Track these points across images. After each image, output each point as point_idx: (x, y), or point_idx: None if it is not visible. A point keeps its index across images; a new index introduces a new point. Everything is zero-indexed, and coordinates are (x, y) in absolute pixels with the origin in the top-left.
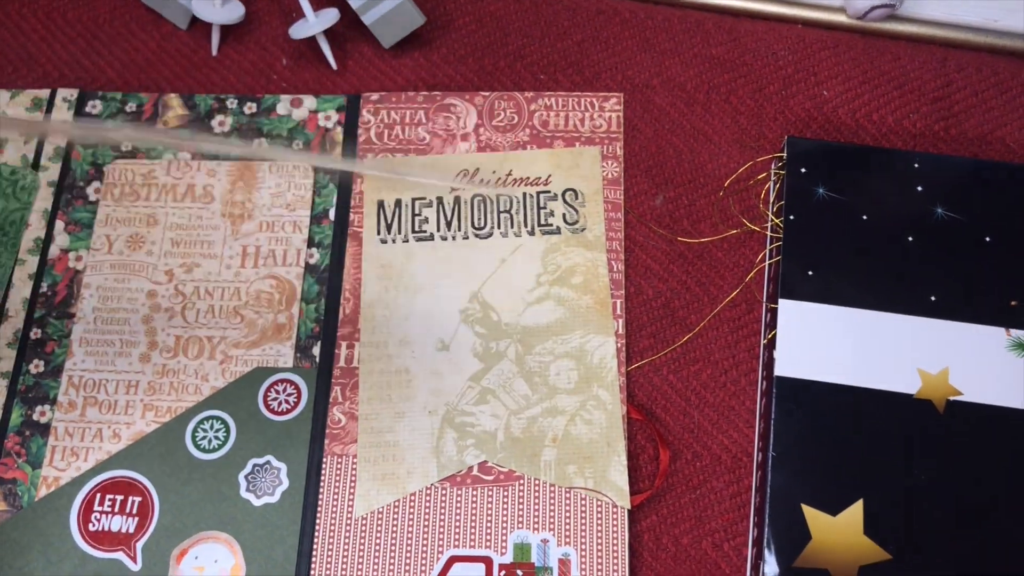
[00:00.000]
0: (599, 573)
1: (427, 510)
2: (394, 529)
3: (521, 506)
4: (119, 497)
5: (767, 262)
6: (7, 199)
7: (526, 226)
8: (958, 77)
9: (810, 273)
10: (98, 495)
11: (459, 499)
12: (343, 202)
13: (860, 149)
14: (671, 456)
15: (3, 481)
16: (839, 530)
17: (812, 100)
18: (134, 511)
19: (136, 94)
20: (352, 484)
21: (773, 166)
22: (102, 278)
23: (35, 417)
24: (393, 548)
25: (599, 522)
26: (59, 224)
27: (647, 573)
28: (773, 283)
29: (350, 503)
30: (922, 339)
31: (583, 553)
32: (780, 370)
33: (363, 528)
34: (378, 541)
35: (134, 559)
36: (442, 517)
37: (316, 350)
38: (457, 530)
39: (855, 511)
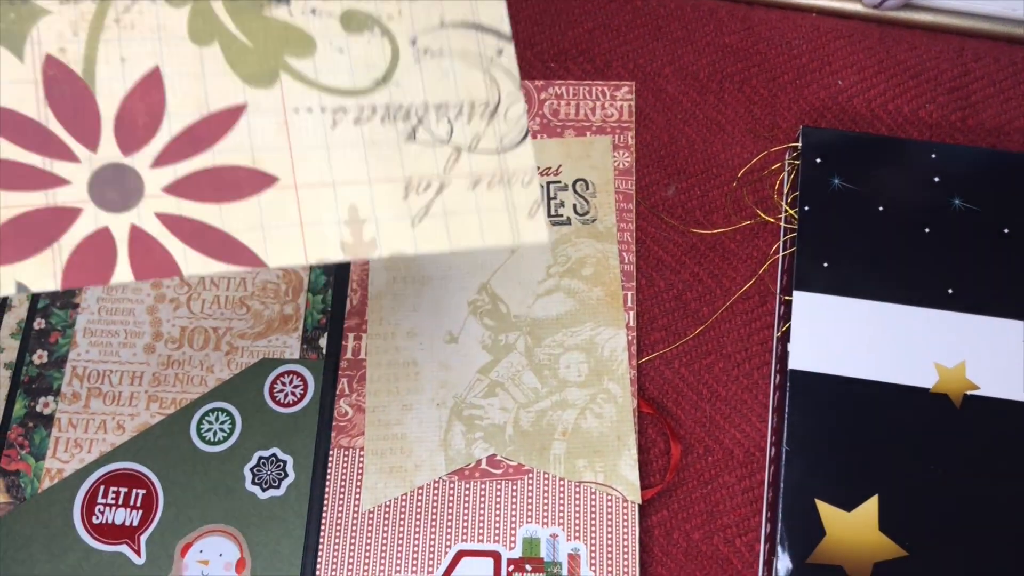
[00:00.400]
0: (609, 568)
1: (435, 504)
2: (401, 523)
3: (530, 500)
4: (123, 489)
5: (781, 254)
6: None
7: None
8: (975, 67)
9: (825, 265)
10: (102, 487)
11: (467, 493)
12: None
13: (876, 139)
14: (682, 450)
15: (6, 473)
16: (854, 526)
17: (827, 90)
18: (138, 504)
19: None
20: (359, 477)
21: (787, 156)
22: None
23: (38, 408)
24: (400, 542)
25: (609, 517)
26: None
27: (657, 569)
28: (787, 275)
29: (357, 496)
30: (939, 332)
31: (593, 548)
32: (794, 363)
33: (370, 522)
34: (385, 535)
35: (138, 552)
36: (450, 511)
37: (323, 341)
38: (465, 524)
39: (870, 507)
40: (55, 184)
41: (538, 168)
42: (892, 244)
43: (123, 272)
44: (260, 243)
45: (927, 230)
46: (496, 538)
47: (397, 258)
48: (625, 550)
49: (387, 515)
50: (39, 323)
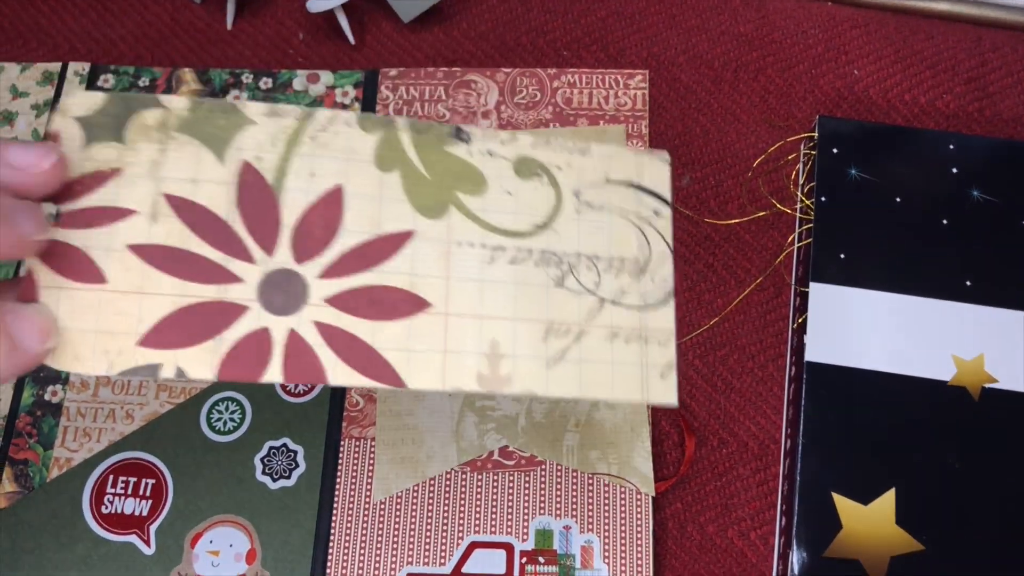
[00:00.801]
0: (622, 560)
1: (447, 495)
2: (413, 514)
3: (543, 492)
4: (132, 479)
5: (797, 245)
6: None
7: None
8: (993, 56)
9: (842, 256)
10: (111, 477)
11: (480, 484)
12: None
13: (894, 130)
14: (696, 443)
15: (14, 462)
16: (870, 520)
17: (843, 79)
18: (147, 494)
19: (149, 68)
20: (370, 468)
21: (803, 146)
22: None
23: (47, 397)
24: (412, 533)
25: (622, 509)
26: None
27: (671, 561)
28: (803, 266)
29: (368, 487)
30: (957, 325)
31: (606, 540)
32: (811, 355)
33: (381, 513)
34: (397, 526)
35: (147, 542)
36: (462, 502)
37: None
38: (478, 516)
39: (887, 500)
40: (229, 281)
41: None
42: (909, 235)
43: (274, 372)
44: (404, 363)
45: (945, 221)
46: (509, 530)
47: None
48: (639, 543)
49: (399, 506)
50: None
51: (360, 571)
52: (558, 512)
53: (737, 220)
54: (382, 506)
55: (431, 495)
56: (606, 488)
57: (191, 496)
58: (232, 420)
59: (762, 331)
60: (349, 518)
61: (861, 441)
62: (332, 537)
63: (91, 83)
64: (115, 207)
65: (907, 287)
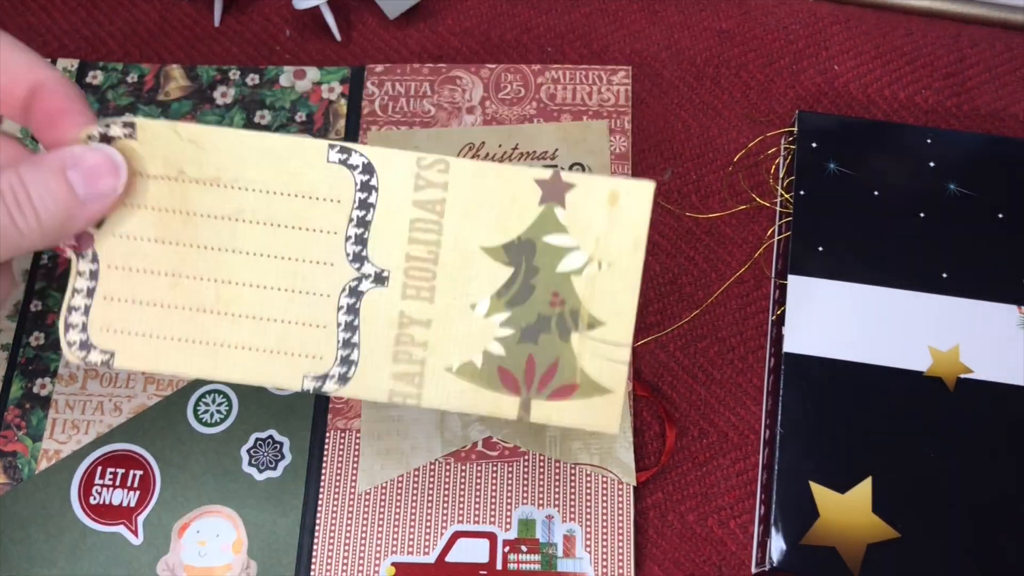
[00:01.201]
0: (604, 549)
1: (431, 486)
2: (398, 504)
3: (526, 482)
4: (120, 471)
5: (776, 238)
6: None
7: None
8: (971, 52)
9: (820, 249)
10: (99, 468)
11: (463, 475)
12: None
13: (872, 124)
14: (677, 433)
15: (3, 454)
16: (847, 508)
17: (823, 75)
18: (135, 485)
19: (137, 65)
20: (355, 459)
21: (783, 141)
22: None
23: (35, 390)
24: (397, 523)
25: (604, 498)
26: None
27: (652, 550)
28: (782, 259)
29: (353, 478)
30: (933, 316)
31: (588, 529)
32: (789, 346)
33: (367, 503)
34: (382, 516)
35: (135, 533)
36: (446, 493)
37: None
38: (461, 506)
39: (864, 489)
40: None
41: (534, 152)
42: (887, 228)
43: None
44: None
45: (922, 215)
46: (492, 519)
47: None
48: (620, 532)
49: (383, 496)
50: (36, 305)
51: (345, 561)
52: (541, 502)
53: (718, 214)
54: (367, 497)
55: (415, 486)
56: (588, 478)
57: (178, 487)
58: (219, 412)
59: (742, 323)
60: (334, 509)
61: (838, 431)
62: (318, 527)
63: (80, 80)
64: None
65: (884, 279)
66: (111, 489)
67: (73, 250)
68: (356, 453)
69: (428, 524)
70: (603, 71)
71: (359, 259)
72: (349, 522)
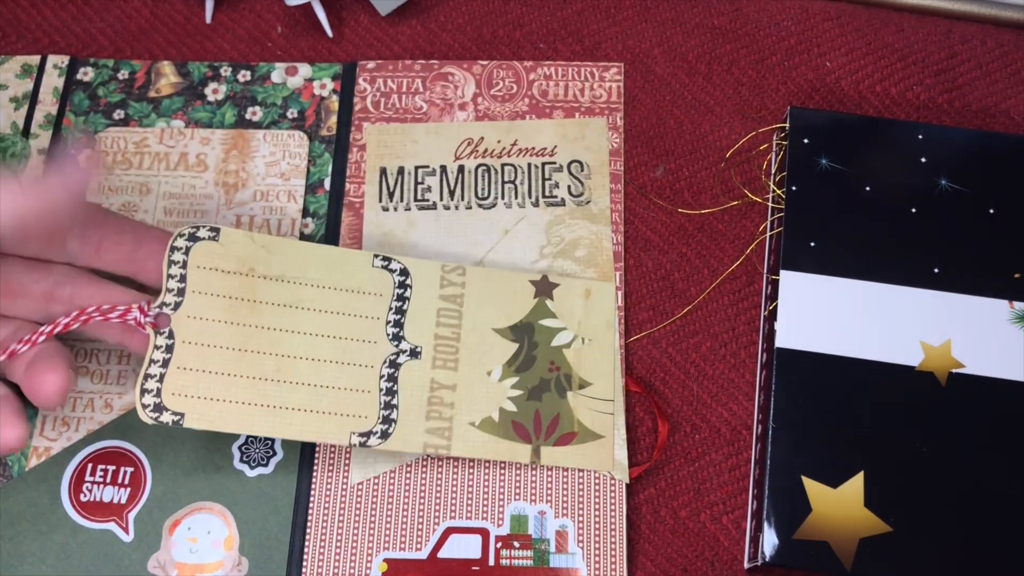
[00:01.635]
0: (596, 545)
1: (423, 482)
2: (390, 501)
3: (518, 478)
4: (111, 467)
5: (768, 234)
6: None
7: (530, 197)
8: (963, 49)
9: (812, 244)
10: (89, 465)
11: (456, 471)
12: (339, 172)
13: (864, 120)
14: (670, 429)
15: None
16: (840, 502)
17: (815, 71)
18: (126, 482)
19: (128, 61)
20: (347, 455)
21: (775, 137)
22: None
23: None
24: (389, 519)
25: (597, 495)
26: None
27: (645, 546)
28: (774, 255)
29: (345, 475)
30: (924, 311)
31: (580, 525)
32: (781, 342)
33: (358, 500)
34: (374, 513)
35: (126, 530)
36: (438, 489)
37: None
38: (453, 502)
39: (856, 483)
40: None
41: (533, 148)
42: (878, 224)
43: None
44: None
45: (913, 210)
46: (484, 515)
47: (394, 243)
48: (612, 527)
49: (375, 493)
50: None
51: (337, 557)
52: (533, 497)
53: (710, 210)
54: (359, 493)
55: (407, 482)
56: (581, 474)
57: (169, 484)
58: None
59: (734, 319)
60: (326, 505)
61: (830, 425)
62: (309, 524)
63: (70, 76)
64: None
65: (876, 274)
66: (102, 486)
67: (152, 328)
68: (348, 449)
69: (420, 520)
70: (595, 67)
71: (397, 338)
72: (341, 518)
